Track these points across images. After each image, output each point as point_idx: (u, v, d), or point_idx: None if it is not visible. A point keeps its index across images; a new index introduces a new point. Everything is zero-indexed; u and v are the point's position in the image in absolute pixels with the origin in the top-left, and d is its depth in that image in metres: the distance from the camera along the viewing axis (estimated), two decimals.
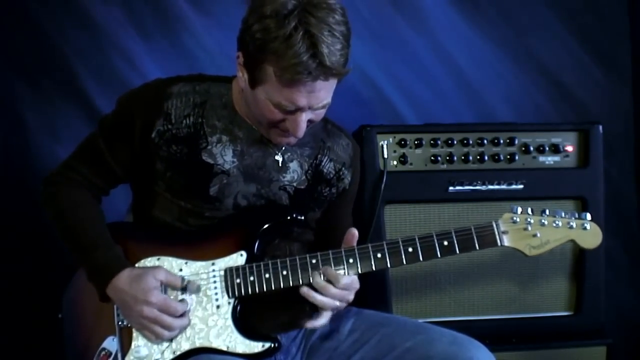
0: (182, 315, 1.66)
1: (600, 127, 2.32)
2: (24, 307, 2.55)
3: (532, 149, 2.30)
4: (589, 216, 1.75)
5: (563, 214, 1.74)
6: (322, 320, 1.69)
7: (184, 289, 1.68)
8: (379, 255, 1.68)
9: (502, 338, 2.25)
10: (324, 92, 1.62)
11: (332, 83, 1.63)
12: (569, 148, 2.31)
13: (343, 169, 1.89)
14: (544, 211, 1.74)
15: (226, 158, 1.75)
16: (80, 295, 1.76)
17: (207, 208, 1.75)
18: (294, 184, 1.81)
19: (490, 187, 2.27)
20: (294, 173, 1.81)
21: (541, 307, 2.30)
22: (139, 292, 1.63)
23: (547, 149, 2.31)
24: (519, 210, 1.73)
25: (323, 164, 1.86)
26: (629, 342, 2.77)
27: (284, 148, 1.80)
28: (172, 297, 1.68)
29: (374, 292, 2.18)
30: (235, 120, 1.78)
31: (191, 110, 1.75)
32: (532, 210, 1.74)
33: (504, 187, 2.27)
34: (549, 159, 2.31)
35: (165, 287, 1.68)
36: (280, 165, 1.80)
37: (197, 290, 1.69)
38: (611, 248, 2.60)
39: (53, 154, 1.86)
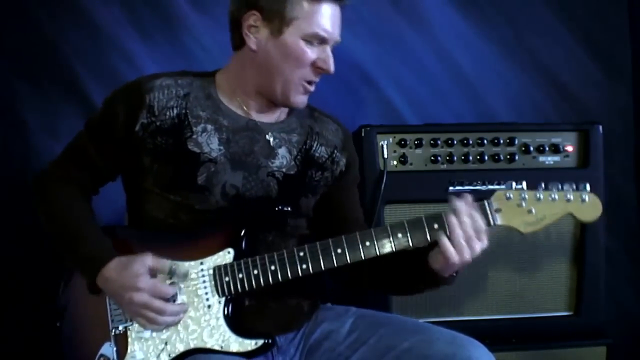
0: (174, 299, 1.66)
1: (600, 127, 2.32)
2: (23, 309, 2.54)
3: (532, 149, 2.30)
4: (588, 187, 1.67)
5: (560, 186, 1.66)
6: (455, 255, 1.61)
7: (171, 274, 1.66)
8: (367, 243, 1.66)
9: (502, 338, 2.25)
10: (339, 22, 1.77)
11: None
12: (569, 148, 2.31)
13: (335, 151, 1.90)
14: (539, 185, 1.67)
15: (212, 146, 1.76)
16: (76, 304, 1.76)
17: (196, 199, 1.74)
18: (283, 170, 1.81)
19: (490, 187, 2.27)
20: (283, 159, 1.82)
21: (541, 307, 2.30)
22: (127, 279, 1.62)
23: (547, 149, 2.31)
24: (513, 185, 1.66)
25: (314, 148, 1.87)
26: (629, 342, 2.77)
27: (273, 132, 1.81)
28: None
29: (373, 291, 2.17)
30: (219, 109, 1.80)
31: (174, 102, 1.77)
32: (526, 185, 1.67)
33: (503, 187, 2.26)
34: (549, 159, 2.31)
35: (154, 273, 1.66)
36: (271, 145, 1.81)
37: (185, 275, 1.67)
38: (611, 248, 2.60)
39: (53, 154, 1.86)
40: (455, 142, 2.29)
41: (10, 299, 2.56)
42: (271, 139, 1.81)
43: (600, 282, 2.31)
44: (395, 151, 2.27)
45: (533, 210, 1.65)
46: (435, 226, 1.64)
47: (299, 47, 1.73)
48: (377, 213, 2.20)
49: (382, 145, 2.25)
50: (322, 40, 1.74)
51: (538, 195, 1.65)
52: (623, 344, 2.54)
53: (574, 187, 1.66)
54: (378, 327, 1.76)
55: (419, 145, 2.28)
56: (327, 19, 1.73)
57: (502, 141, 2.30)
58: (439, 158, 2.27)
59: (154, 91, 1.76)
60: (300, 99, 1.80)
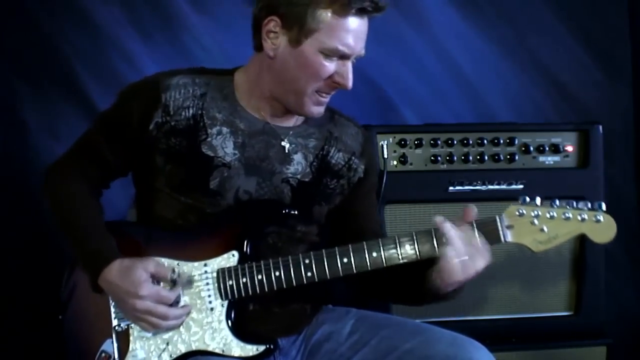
0: (177, 302, 1.65)
1: (600, 127, 2.32)
2: (24, 307, 2.55)
3: (532, 149, 2.30)
4: (604, 206, 1.60)
5: (575, 204, 1.60)
6: (457, 267, 1.59)
7: (174, 282, 1.65)
8: (374, 254, 1.64)
9: (502, 338, 2.25)
10: (364, 36, 1.69)
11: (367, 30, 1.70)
12: (569, 148, 2.31)
13: (353, 157, 1.86)
14: (553, 201, 1.61)
15: (227, 150, 1.74)
16: (80, 298, 1.75)
17: (207, 203, 1.73)
18: (298, 176, 1.78)
19: (490, 187, 2.27)
20: (298, 165, 1.79)
21: (541, 307, 2.30)
22: (130, 285, 1.61)
23: (547, 149, 2.31)
24: (527, 199, 1.61)
25: (331, 154, 1.83)
26: (629, 342, 2.77)
27: (289, 137, 1.79)
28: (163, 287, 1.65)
29: (377, 300, 2.16)
30: (236, 111, 1.77)
31: (191, 102, 1.74)
32: (540, 201, 1.61)
33: (504, 187, 2.27)
34: (549, 159, 2.31)
35: (156, 279, 1.65)
36: (286, 151, 1.77)
37: (188, 282, 1.67)
38: (611, 248, 2.59)
39: (53, 154, 1.86)
40: (455, 142, 2.29)
41: (10, 298, 2.56)
42: (287, 145, 1.78)
43: (600, 282, 2.31)
44: (395, 151, 2.27)
45: (545, 229, 1.60)
46: (444, 239, 1.62)
47: (316, 60, 1.65)
48: (377, 213, 2.20)
49: (382, 145, 2.25)
50: (343, 56, 1.67)
51: (551, 213, 1.60)
52: (623, 344, 2.54)
53: (589, 205, 1.61)
54: (379, 328, 1.75)
55: (419, 145, 2.28)
56: (351, 33, 1.65)
57: (502, 141, 2.29)
58: (439, 158, 2.27)
59: (170, 90, 1.73)
60: (314, 110, 1.74)
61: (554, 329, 2.31)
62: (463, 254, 1.60)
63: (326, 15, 1.62)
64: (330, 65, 1.67)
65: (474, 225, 1.64)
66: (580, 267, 2.30)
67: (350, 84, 1.70)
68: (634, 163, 2.87)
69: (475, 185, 2.27)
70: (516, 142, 2.30)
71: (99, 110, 2.51)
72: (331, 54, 1.65)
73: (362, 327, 1.77)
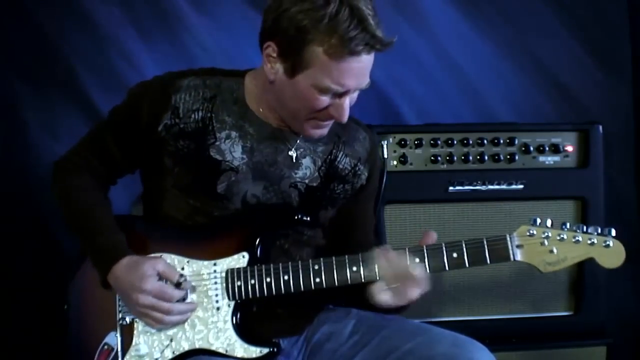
0: (184, 298, 1.65)
1: (600, 127, 2.32)
2: (27, 300, 2.55)
3: (532, 149, 2.30)
4: (613, 232, 1.63)
5: (585, 228, 1.63)
6: (386, 295, 1.64)
7: (178, 285, 1.65)
8: None
9: (502, 338, 2.25)
10: (368, 69, 1.62)
11: (372, 61, 1.63)
12: (569, 148, 2.31)
13: (359, 164, 1.85)
14: (564, 224, 1.63)
15: (235, 154, 1.73)
16: (85, 289, 1.75)
17: (215, 206, 1.73)
18: (306, 181, 1.77)
19: (490, 187, 2.27)
20: (307, 170, 1.78)
21: (541, 307, 2.30)
22: (135, 279, 1.61)
23: (547, 149, 2.31)
24: (538, 221, 1.63)
25: (338, 159, 1.82)
26: (629, 342, 2.77)
27: (298, 142, 1.78)
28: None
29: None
30: (246, 115, 1.75)
31: (200, 104, 1.73)
32: (551, 223, 1.64)
33: (504, 187, 2.27)
34: (549, 159, 2.31)
35: (163, 278, 1.65)
36: (293, 161, 1.76)
37: (192, 290, 1.67)
38: None
39: (53, 154, 1.86)
40: (455, 142, 2.29)
41: (11, 296, 2.56)
42: (294, 154, 1.77)
43: (600, 282, 2.31)
44: (395, 151, 2.27)
45: (555, 250, 1.62)
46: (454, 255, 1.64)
47: (310, 94, 1.61)
48: (377, 213, 2.20)
49: (382, 145, 2.25)
50: (338, 93, 1.61)
51: (562, 236, 1.62)
52: (623, 344, 2.54)
53: (599, 230, 1.63)
54: (379, 328, 1.74)
55: (419, 145, 2.28)
56: (346, 73, 1.58)
57: (502, 141, 2.29)
58: (439, 158, 2.27)
59: (181, 92, 1.72)
60: (314, 133, 1.71)
61: (554, 329, 2.31)
62: (392, 283, 1.62)
63: (320, 53, 1.56)
64: (325, 99, 1.62)
65: (425, 251, 1.65)
66: (580, 267, 2.29)
67: (344, 119, 1.65)
68: (634, 163, 2.87)
69: (475, 185, 2.27)
70: (516, 142, 2.30)
71: (99, 110, 2.55)
72: (325, 91, 1.60)
73: (363, 328, 1.77)
